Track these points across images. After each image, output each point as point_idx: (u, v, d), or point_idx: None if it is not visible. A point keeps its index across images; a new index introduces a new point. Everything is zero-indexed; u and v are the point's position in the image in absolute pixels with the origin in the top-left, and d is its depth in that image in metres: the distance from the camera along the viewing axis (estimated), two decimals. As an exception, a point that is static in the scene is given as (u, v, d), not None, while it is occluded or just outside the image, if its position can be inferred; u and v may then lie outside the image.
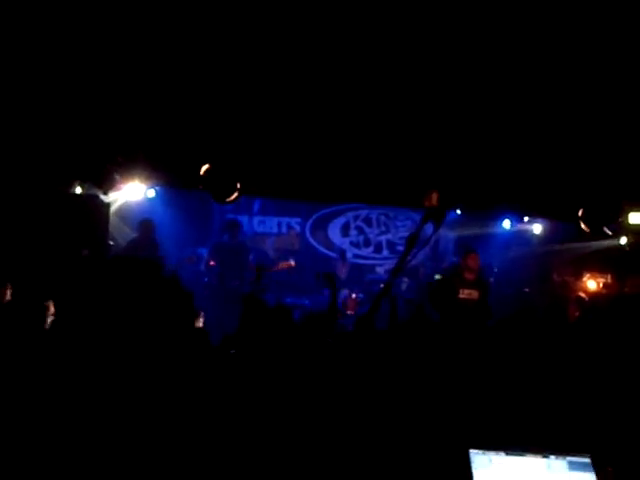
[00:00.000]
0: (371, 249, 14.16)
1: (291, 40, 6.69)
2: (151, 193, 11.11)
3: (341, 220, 14.09)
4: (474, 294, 9.08)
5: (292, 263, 11.38)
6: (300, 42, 6.70)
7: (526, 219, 11.78)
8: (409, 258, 3.04)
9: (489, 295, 9.43)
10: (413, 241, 3.06)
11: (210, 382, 4.25)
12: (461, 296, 9.06)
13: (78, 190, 9.15)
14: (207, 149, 8.07)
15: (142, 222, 10.21)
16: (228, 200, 8.22)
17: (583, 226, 8.41)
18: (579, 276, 11.92)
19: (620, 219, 8.65)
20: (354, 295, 11.61)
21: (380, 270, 13.80)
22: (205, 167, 8.00)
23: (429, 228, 3.08)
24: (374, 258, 13.95)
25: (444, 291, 9.09)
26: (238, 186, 8.15)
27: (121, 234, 10.59)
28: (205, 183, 8.10)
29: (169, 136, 7.87)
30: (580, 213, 8.50)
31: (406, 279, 12.83)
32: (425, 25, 6.34)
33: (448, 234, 13.95)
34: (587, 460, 2.89)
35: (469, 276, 9.08)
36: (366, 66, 7.04)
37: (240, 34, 6.59)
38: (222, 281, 10.63)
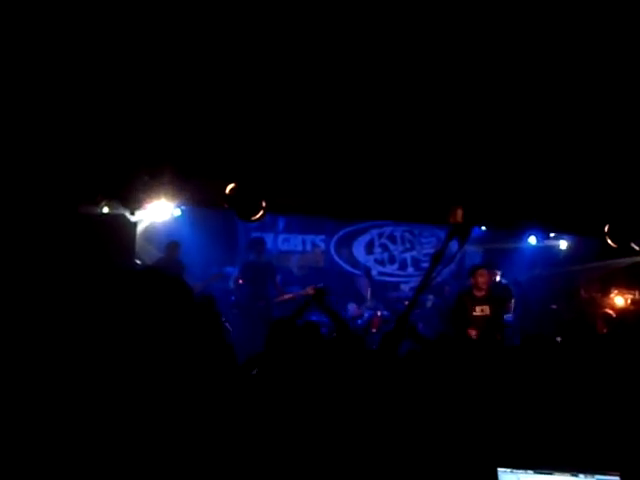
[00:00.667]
0: (396, 266, 14.15)
1: (316, 60, 6.74)
2: (177, 212, 11.24)
3: (365, 237, 14.11)
4: (486, 310, 9.11)
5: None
6: (325, 61, 6.75)
7: (552, 235, 11.73)
8: (434, 275, 3.05)
9: (504, 309, 9.48)
10: (438, 258, 3.07)
11: (230, 400, 4.27)
12: (475, 314, 9.11)
13: (105, 210, 9.25)
14: (232, 168, 8.13)
15: (169, 244, 10.39)
16: (253, 218, 8.28)
17: (610, 242, 8.35)
18: (606, 292, 11.81)
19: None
20: (379, 313, 11.60)
21: (405, 287, 13.78)
22: (230, 186, 8.07)
23: (454, 245, 3.09)
24: (399, 275, 13.94)
25: (458, 310, 9.16)
26: (263, 204, 8.20)
27: (147, 254, 10.69)
28: (230, 202, 8.16)
29: (195, 155, 7.94)
30: (606, 229, 8.44)
31: (431, 296, 12.80)
32: (449, 41, 6.36)
33: (474, 251, 13.92)
34: (617, 479, 2.87)
35: (479, 293, 9.13)
36: (391, 85, 7.07)
37: (266, 54, 6.65)
38: (250, 300, 10.67)
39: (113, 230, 9.19)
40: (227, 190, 8.03)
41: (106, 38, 6.20)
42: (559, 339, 7.72)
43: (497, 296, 9.55)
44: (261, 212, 8.21)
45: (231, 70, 6.89)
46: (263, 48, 6.55)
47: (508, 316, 10.62)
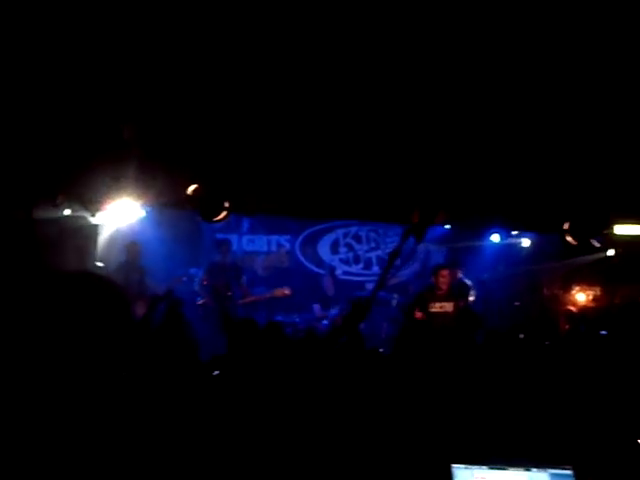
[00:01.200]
0: (361, 266, 14.16)
1: (278, 56, 6.72)
2: (142, 213, 11.14)
3: (331, 237, 14.10)
4: (447, 307, 9.25)
5: (287, 292, 11.34)
6: (286, 58, 6.73)
7: (515, 233, 11.84)
8: (390, 274, 3.07)
9: (468, 304, 9.61)
10: (394, 257, 3.09)
11: (192, 399, 4.25)
12: (432, 310, 9.24)
13: (67, 212, 9.13)
14: (196, 168, 8.08)
15: (128, 245, 10.23)
16: (216, 219, 8.23)
17: (569, 239, 8.45)
18: (568, 289, 11.98)
19: (606, 231, 8.69)
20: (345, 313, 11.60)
21: (370, 287, 13.78)
22: (193, 187, 8.01)
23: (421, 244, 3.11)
24: (364, 275, 13.94)
25: (415, 305, 9.31)
26: (227, 205, 8.16)
27: (111, 257, 10.56)
28: (193, 203, 8.10)
29: (157, 156, 7.87)
30: (566, 226, 8.53)
31: (396, 295, 12.85)
32: (418, 38, 6.35)
33: (438, 249, 14.01)
34: (569, 472, 2.90)
35: (439, 292, 9.27)
36: (352, 84, 7.07)
37: (229, 52, 6.61)
38: (216, 301, 10.61)
39: (73, 233, 9.10)
40: (189, 191, 7.97)
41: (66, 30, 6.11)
42: (522, 336, 7.82)
43: (458, 293, 9.67)
44: (224, 213, 8.15)
45: (195, 70, 6.85)
46: (225, 46, 6.51)
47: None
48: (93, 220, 8.85)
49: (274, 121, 7.69)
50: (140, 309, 7.58)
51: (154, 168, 8.08)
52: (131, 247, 10.25)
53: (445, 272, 9.42)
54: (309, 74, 6.92)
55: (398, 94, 7.22)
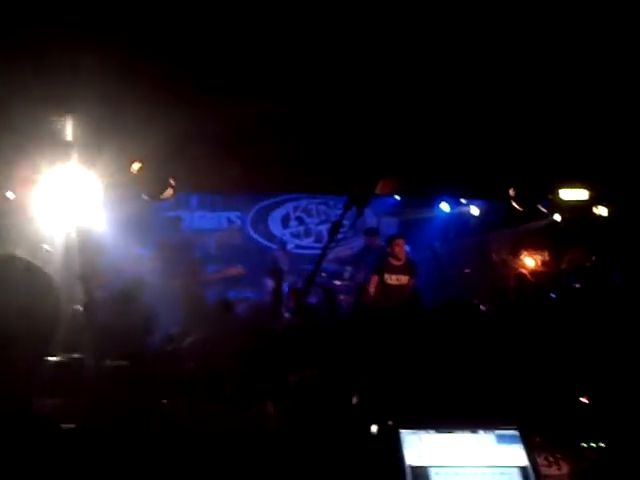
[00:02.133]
0: (312, 239, 14.17)
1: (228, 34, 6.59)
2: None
3: (281, 211, 14.08)
4: (403, 279, 9.21)
5: (241, 270, 11.29)
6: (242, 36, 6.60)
7: (463, 201, 11.94)
8: (333, 245, 3.06)
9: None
10: (337, 228, 3.07)
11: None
12: (389, 282, 9.18)
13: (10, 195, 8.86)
14: (137, 146, 7.91)
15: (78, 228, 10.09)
16: (162, 197, 8.09)
17: (515, 205, 8.52)
18: (517, 255, 12.13)
19: (551, 196, 8.78)
20: (296, 286, 11.61)
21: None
22: (137, 165, 7.84)
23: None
24: (315, 248, 13.95)
25: (376, 273, 9.27)
26: (172, 182, 8.03)
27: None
28: (137, 181, 7.94)
29: (98, 133, 7.70)
30: (512, 192, 8.59)
31: (349, 268, 12.90)
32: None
33: (389, 220, 14.08)
34: (515, 433, 2.93)
35: (395, 262, 9.22)
36: (298, 50, 6.95)
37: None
38: (167, 279, 10.51)
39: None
40: (133, 169, 7.80)
41: None
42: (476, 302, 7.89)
43: (415, 266, 9.63)
44: (170, 191, 8.02)
45: (142, 44, 6.68)
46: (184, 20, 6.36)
47: None
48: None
49: (217, 93, 7.56)
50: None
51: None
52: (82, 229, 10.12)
53: (400, 241, 9.35)
54: (263, 41, 6.79)
55: (346, 64, 7.14)
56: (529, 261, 11.95)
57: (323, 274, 12.86)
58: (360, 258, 13.08)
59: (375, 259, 9.82)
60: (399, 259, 9.21)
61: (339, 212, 10.48)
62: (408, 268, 9.33)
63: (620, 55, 6.46)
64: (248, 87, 7.42)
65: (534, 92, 7.26)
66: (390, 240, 9.48)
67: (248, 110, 7.81)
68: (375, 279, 9.23)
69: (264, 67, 7.09)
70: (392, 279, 9.18)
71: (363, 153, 8.04)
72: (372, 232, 10.55)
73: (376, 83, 7.41)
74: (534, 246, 11.94)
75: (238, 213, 13.83)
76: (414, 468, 2.76)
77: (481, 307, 7.48)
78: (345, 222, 3.14)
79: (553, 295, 8.73)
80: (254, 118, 7.97)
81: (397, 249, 9.20)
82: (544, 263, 12.06)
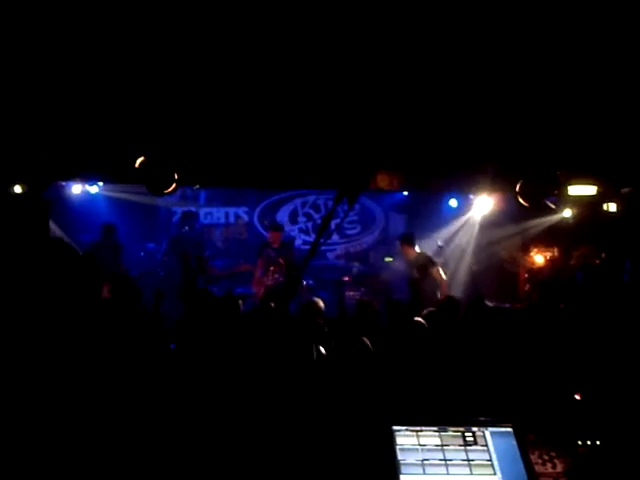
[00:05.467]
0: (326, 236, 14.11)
1: (219, 27, 6.57)
2: (94, 189, 10.99)
3: (289, 207, 14.04)
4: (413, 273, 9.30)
5: (250, 267, 11.28)
6: (229, 29, 6.58)
7: (472, 197, 11.84)
8: (322, 239, 3.02)
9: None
10: (327, 222, 3.04)
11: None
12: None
13: (18, 189, 8.89)
14: (142, 140, 7.91)
15: (104, 226, 10.28)
16: (166, 192, 8.07)
17: (521, 201, 8.43)
18: (526, 251, 12.05)
19: (557, 191, 8.68)
20: (305, 282, 11.59)
21: (330, 256, 13.78)
22: (140, 159, 7.83)
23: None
24: (323, 244, 13.89)
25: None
26: (176, 177, 8.00)
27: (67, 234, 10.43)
28: (141, 176, 7.93)
29: (102, 129, 7.70)
30: (518, 188, 8.50)
31: (356, 263, 12.87)
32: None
33: (398, 217, 14.01)
34: (509, 430, 2.90)
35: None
36: (297, 51, 6.93)
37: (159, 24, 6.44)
38: (178, 274, 10.50)
39: (25, 211, 8.88)
40: (137, 164, 7.79)
41: None
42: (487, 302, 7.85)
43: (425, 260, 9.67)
44: (174, 185, 8.00)
45: (137, 38, 6.68)
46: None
47: None
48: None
49: (223, 90, 7.55)
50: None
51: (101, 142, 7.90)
52: (107, 227, 10.32)
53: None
54: (252, 42, 6.78)
55: (346, 62, 7.10)
56: (538, 258, 11.86)
57: (332, 270, 12.88)
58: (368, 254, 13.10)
59: None
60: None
61: (347, 208, 10.51)
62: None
63: (625, 52, 6.40)
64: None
65: (541, 86, 7.19)
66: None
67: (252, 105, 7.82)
68: None
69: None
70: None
71: (360, 147, 8.00)
72: (276, 227, 10.42)
73: (381, 76, 7.37)
74: (543, 242, 11.85)
75: (246, 208, 13.82)
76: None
77: (487, 303, 7.46)
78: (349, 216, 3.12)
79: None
80: (260, 113, 7.97)
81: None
82: (553, 260, 11.97)
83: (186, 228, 11.05)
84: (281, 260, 9.71)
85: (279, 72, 7.28)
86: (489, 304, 6.94)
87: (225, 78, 7.32)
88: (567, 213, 10.82)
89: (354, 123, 8.02)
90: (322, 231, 2.94)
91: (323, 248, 13.78)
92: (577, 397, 2.95)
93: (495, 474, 2.79)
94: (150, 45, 6.74)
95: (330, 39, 6.52)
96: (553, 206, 9.85)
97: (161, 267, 11.08)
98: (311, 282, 11.74)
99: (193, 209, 12.39)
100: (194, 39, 6.68)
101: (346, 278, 12.34)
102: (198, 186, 8.42)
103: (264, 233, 13.76)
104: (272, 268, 9.75)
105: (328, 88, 7.50)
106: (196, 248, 10.62)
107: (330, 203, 14.15)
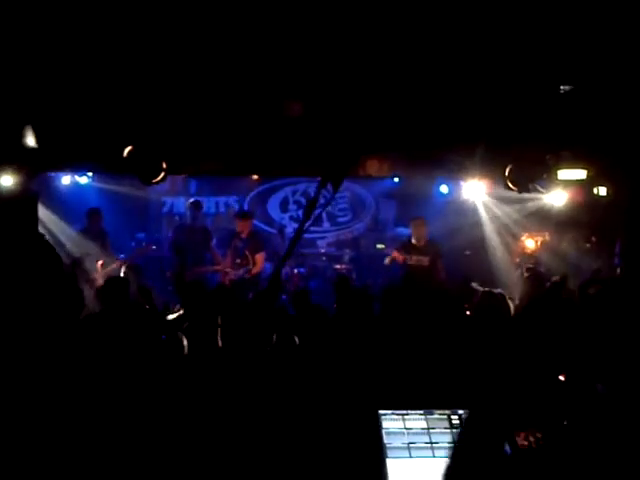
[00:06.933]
0: (310, 223, 14.05)
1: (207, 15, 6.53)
2: (83, 180, 10.94)
3: (280, 195, 14.02)
4: (424, 260, 9.22)
5: None
6: (218, 15, 6.55)
7: (462, 182, 11.81)
8: (307, 225, 3.00)
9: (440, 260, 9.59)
10: (312, 207, 3.01)
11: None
12: (410, 262, 9.23)
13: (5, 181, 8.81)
14: (129, 130, 7.87)
15: (89, 212, 10.09)
16: (155, 181, 8.04)
17: (510, 185, 8.43)
18: (517, 236, 12.03)
19: (546, 175, 8.68)
20: (296, 270, 11.60)
21: (321, 243, 13.77)
22: (128, 149, 7.80)
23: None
24: (315, 232, 13.87)
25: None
26: (164, 166, 7.98)
27: (56, 225, 10.36)
28: (130, 165, 7.89)
29: (88, 120, 7.65)
30: (507, 172, 8.49)
31: (348, 250, 12.87)
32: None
33: (388, 203, 14.01)
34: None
35: (416, 242, 9.27)
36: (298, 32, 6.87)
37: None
38: (183, 264, 10.37)
39: (12, 201, 8.83)
40: (125, 153, 7.76)
41: None
42: (475, 285, 7.85)
43: (435, 247, 9.65)
44: (162, 174, 7.97)
45: (124, 29, 6.65)
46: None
47: None
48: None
49: (211, 78, 7.52)
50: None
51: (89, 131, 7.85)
52: (92, 213, 10.11)
53: (419, 222, 9.42)
54: (237, 30, 6.75)
55: (331, 48, 7.06)
56: (530, 242, 11.85)
57: (324, 258, 12.86)
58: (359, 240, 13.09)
59: None
60: (419, 238, 9.29)
61: (338, 195, 10.50)
62: (429, 249, 9.38)
63: (615, 35, 6.39)
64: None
65: (530, 71, 7.18)
66: (410, 221, 9.59)
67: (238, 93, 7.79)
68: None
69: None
70: (413, 259, 9.26)
71: (346, 131, 7.98)
72: (243, 215, 10.27)
73: (368, 61, 7.33)
74: (534, 227, 11.84)
75: (236, 198, 13.78)
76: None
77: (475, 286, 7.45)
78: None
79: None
80: (245, 101, 7.94)
81: (415, 229, 9.27)
82: (544, 244, 11.96)
83: (188, 219, 10.82)
84: (247, 253, 9.52)
85: (267, 59, 7.25)
86: (480, 288, 6.92)
87: (212, 66, 7.30)
88: (557, 196, 10.80)
89: (341, 107, 7.99)
90: (306, 217, 2.90)
91: (314, 236, 13.76)
92: (561, 378, 2.95)
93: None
94: (137, 36, 6.72)
95: (315, 26, 6.50)
96: (543, 190, 9.84)
97: (165, 258, 10.99)
98: (303, 270, 11.75)
99: (199, 199, 12.26)
100: (181, 29, 6.66)
101: (337, 266, 12.35)
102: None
103: (255, 222, 13.76)
104: (238, 261, 9.58)
105: (315, 73, 7.48)
106: (202, 237, 10.40)
107: (322, 190, 14.10)
